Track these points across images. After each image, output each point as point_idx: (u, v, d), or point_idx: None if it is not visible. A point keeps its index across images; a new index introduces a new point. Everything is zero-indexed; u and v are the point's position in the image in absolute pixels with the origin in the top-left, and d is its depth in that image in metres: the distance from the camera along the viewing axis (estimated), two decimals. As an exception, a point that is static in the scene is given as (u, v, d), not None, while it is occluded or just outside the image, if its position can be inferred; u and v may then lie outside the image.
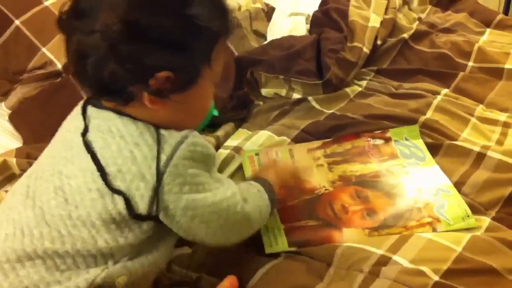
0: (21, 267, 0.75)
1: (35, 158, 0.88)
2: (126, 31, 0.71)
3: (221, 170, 1.17)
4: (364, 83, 1.49)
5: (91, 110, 0.81)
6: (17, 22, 1.46)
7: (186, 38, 0.75)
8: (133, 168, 0.75)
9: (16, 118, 1.41)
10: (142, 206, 0.76)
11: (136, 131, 0.77)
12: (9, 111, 1.44)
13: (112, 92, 0.76)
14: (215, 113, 0.91)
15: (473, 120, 1.30)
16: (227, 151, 1.22)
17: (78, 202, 0.76)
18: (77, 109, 0.83)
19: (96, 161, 0.76)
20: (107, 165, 0.76)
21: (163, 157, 0.76)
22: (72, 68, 0.78)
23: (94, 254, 0.76)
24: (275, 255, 0.97)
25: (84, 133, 0.78)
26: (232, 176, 1.17)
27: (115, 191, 0.75)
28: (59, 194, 0.77)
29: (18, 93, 1.44)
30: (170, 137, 0.77)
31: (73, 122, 0.83)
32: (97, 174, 0.76)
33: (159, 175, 0.75)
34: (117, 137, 0.77)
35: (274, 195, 0.96)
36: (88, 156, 0.77)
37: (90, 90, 0.79)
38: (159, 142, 0.76)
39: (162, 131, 0.78)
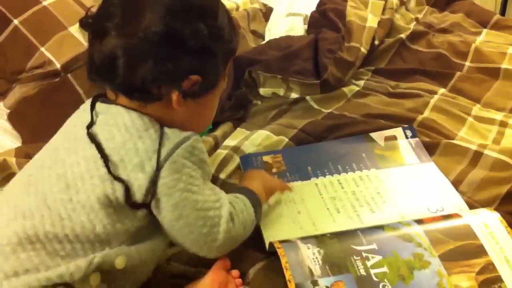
0: (22, 250, 0.76)
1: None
2: (167, 36, 0.77)
3: (219, 170, 1.17)
4: (361, 82, 1.50)
5: (99, 106, 0.85)
6: (15, 21, 1.46)
7: (216, 47, 0.82)
8: (134, 159, 0.79)
9: (15, 118, 1.41)
10: (138, 195, 0.79)
11: (142, 126, 0.81)
12: (8, 111, 1.44)
13: (140, 92, 0.80)
14: (210, 126, 1.02)
15: (470, 119, 1.31)
16: (225, 151, 1.22)
17: (79, 187, 0.79)
18: (84, 106, 0.87)
19: (100, 150, 0.80)
20: (110, 155, 0.79)
21: (164, 152, 0.80)
22: (94, 68, 0.81)
23: (92, 240, 0.78)
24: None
25: (90, 126, 0.82)
26: (230, 176, 1.17)
27: (116, 178, 0.78)
28: (61, 180, 0.80)
29: (17, 92, 1.44)
30: (173, 135, 0.82)
31: (79, 118, 0.87)
32: (100, 162, 0.79)
33: (158, 167, 0.79)
34: (123, 130, 0.81)
35: (260, 206, 0.97)
36: (92, 146, 0.80)
37: (114, 89, 0.83)
38: (161, 137, 0.80)
39: (166, 129, 0.82)
